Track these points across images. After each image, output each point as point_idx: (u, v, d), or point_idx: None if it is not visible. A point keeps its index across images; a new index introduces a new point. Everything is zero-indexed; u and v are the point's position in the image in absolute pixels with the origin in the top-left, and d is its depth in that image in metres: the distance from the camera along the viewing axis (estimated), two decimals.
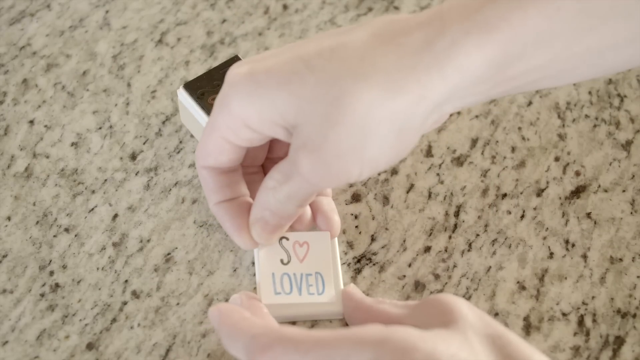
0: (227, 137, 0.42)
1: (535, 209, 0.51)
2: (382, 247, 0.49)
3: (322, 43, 0.40)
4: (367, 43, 0.39)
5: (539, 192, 0.51)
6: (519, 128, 0.54)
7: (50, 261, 0.48)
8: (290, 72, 0.39)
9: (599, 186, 0.52)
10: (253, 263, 0.48)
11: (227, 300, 0.47)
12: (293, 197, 0.43)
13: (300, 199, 0.43)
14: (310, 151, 0.39)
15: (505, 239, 0.50)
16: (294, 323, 0.46)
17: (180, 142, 0.53)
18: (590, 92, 0.56)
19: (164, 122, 0.54)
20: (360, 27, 0.41)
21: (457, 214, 0.50)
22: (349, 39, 0.40)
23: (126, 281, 0.47)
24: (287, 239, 0.47)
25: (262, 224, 0.45)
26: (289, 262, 0.47)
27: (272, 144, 0.47)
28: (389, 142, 0.39)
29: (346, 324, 0.46)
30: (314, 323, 0.46)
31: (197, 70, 0.56)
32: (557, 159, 0.53)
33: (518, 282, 0.48)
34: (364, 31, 0.40)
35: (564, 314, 0.47)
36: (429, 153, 0.53)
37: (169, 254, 0.48)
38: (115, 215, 0.50)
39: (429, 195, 0.51)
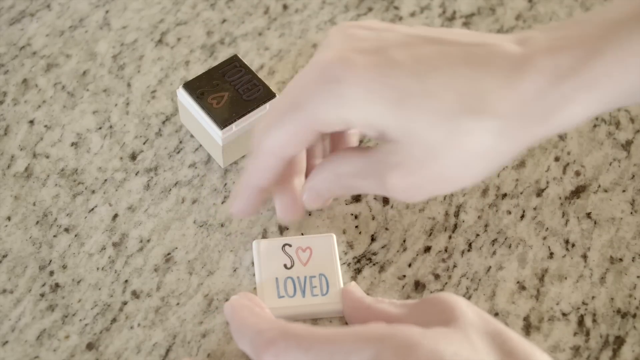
0: (321, 128, 0.40)
1: (535, 209, 0.51)
2: (382, 247, 0.49)
3: (437, 60, 0.39)
4: (485, 79, 0.38)
5: (539, 192, 0.51)
6: None
7: (50, 261, 0.48)
8: (406, 91, 0.38)
9: (599, 186, 0.52)
10: (253, 263, 0.48)
11: (227, 300, 0.47)
12: (360, 190, 0.43)
13: (364, 192, 0.43)
14: (407, 173, 0.40)
15: (505, 239, 0.50)
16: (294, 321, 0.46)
17: (180, 142, 0.53)
18: None
19: (164, 122, 0.54)
20: (471, 48, 0.39)
21: (457, 214, 0.50)
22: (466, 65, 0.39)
23: (126, 281, 0.47)
24: (290, 245, 0.47)
25: (314, 196, 0.44)
26: (292, 266, 0.47)
27: None
28: (483, 174, 0.41)
29: (346, 323, 0.46)
30: (314, 323, 0.46)
31: (197, 70, 0.56)
32: (557, 159, 0.53)
33: (518, 282, 0.48)
34: (476, 57, 0.39)
35: (564, 314, 0.47)
36: None
37: (169, 254, 0.48)
38: (115, 215, 0.50)
39: None
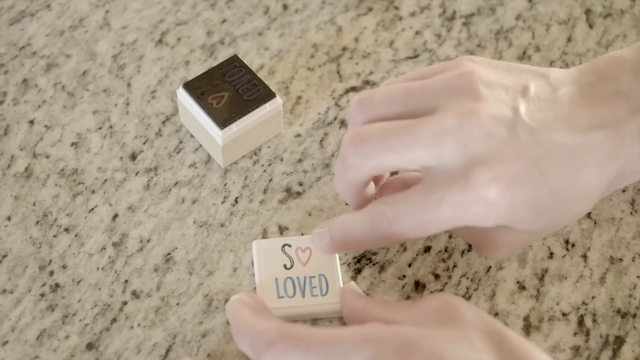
0: (444, 226, 0.42)
1: None
2: (382, 247, 0.49)
3: (559, 167, 0.42)
4: (592, 177, 0.43)
5: None
6: None
7: (50, 261, 0.48)
8: (539, 202, 0.42)
9: None
10: (253, 263, 0.48)
11: (227, 300, 0.47)
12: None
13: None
14: (510, 249, 0.45)
15: None
16: (294, 322, 0.46)
17: (180, 142, 0.53)
18: None
19: (164, 122, 0.54)
20: (574, 151, 0.42)
21: None
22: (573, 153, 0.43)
23: (126, 281, 0.47)
24: (290, 245, 0.47)
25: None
26: (292, 267, 0.47)
27: None
28: None
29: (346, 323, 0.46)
30: (314, 323, 0.46)
31: (197, 70, 0.56)
32: None
33: (518, 282, 0.48)
34: (583, 157, 0.42)
35: (564, 314, 0.47)
36: None
37: (169, 254, 0.48)
38: (115, 215, 0.50)
39: None
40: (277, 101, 0.51)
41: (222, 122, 0.49)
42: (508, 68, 0.45)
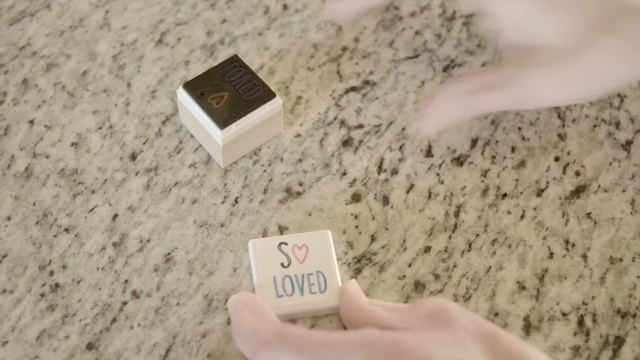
0: None
1: (535, 209, 0.51)
2: (382, 247, 0.49)
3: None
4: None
5: (539, 192, 0.51)
6: (519, 128, 0.54)
7: (50, 261, 0.48)
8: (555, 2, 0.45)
9: (599, 186, 0.52)
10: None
11: (227, 300, 0.47)
12: (488, 105, 0.49)
13: (492, 108, 0.50)
14: (541, 72, 0.46)
15: (505, 239, 0.50)
16: (293, 320, 0.46)
17: (180, 142, 0.53)
18: None
19: (164, 122, 0.54)
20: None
21: (457, 214, 0.50)
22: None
23: (126, 281, 0.47)
24: (286, 243, 0.47)
25: (438, 121, 0.50)
26: (289, 265, 0.47)
27: None
28: (606, 88, 0.49)
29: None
30: (314, 323, 0.46)
31: (197, 70, 0.56)
32: (557, 159, 0.53)
33: (518, 282, 0.48)
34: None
35: (564, 314, 0.47)
36: (429, 153, 0.53)
37: (169, 254, 0.48)
38: (115, 215, 0.50)
39: (429, 195, 0.51)
40: (277, 101, 0.51)
41: (222, 122, 0.49)
42: None
